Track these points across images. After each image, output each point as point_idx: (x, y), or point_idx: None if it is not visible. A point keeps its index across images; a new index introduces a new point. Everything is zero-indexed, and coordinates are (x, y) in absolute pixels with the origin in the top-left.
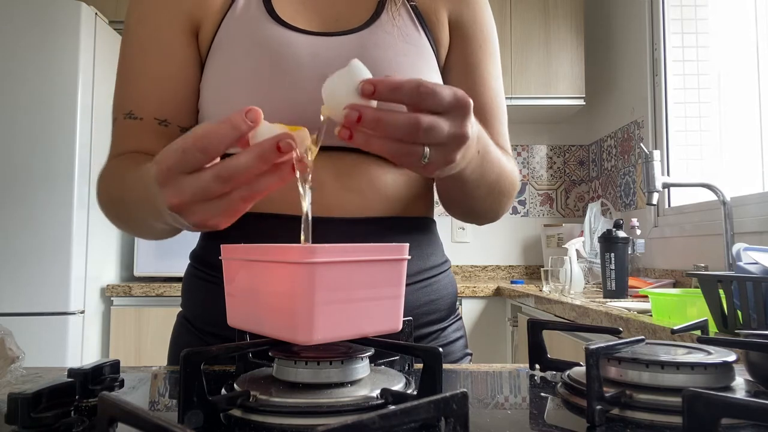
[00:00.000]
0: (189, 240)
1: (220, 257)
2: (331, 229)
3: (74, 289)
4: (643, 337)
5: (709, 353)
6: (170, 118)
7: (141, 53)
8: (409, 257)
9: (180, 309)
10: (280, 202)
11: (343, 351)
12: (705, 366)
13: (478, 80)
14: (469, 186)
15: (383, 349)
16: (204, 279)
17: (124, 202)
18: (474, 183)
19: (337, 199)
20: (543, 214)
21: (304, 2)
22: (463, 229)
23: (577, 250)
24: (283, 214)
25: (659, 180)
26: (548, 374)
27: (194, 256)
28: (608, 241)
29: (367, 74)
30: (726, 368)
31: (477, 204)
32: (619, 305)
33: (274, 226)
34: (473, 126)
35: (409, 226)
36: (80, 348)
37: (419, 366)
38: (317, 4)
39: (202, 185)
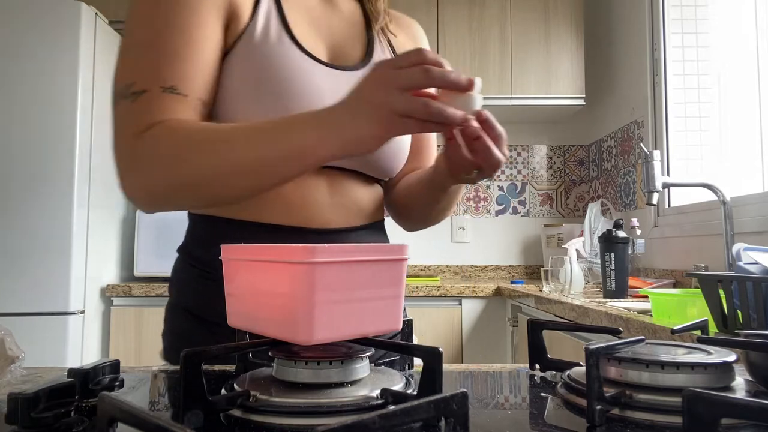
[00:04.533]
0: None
1: (220, 257)
2: (329, 239)
3: (74, 289)
4: (643, 337)
5: (709, 353)
6: (208, 101)
7: (180, 32)
8: (408, 257)
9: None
10: (245, 210)
11: (343, 351)
12: (705, 366)
13: None
14: (453, 196)
15: (383, 349)
16: (199, 273)
17: (238, 160)
18: (457, 194)
19: (332, 213)
20: (543, 214)
21: (311, 26)
22: (463, 229)
23: (577, 250)
24: (249, 221)
25: (659, 180)
26: (548, 374)
27: (186, 250)
28: (608, 241)
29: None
30: (726, 368)
31: (438, 211)
32: (619, 305)
33: (241, 233)
34: None
35: (378, 228)
36: (80, 348)
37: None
38: (322, 31)
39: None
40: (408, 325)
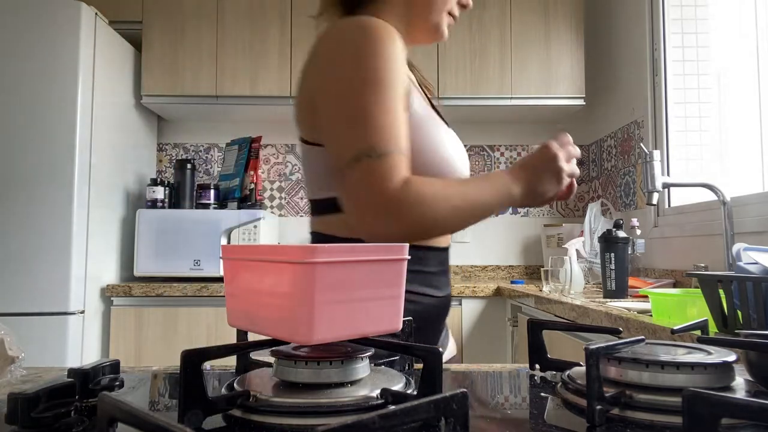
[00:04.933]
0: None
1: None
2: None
3: (74, 289)
4: (643, 337)
5: (709, 353)
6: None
7: (395, 97)
8: (408, 257)
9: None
10: (438, 240)
11: (343, 351)
12: (705, 366)
13: None
14: None
15: (383, 349)
16: None
17: (472, 205)
18: None
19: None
20: (543, 214)
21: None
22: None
23: (577, 250)
24: (434, 246)
25: (659, 180)
26: (548, 374)
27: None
28: (608, 241)
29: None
30: (726, 368)
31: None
32: (619, 305)
33: (425, 255)
34: None
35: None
36: (80, 348)
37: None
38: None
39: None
40: (408, 325)
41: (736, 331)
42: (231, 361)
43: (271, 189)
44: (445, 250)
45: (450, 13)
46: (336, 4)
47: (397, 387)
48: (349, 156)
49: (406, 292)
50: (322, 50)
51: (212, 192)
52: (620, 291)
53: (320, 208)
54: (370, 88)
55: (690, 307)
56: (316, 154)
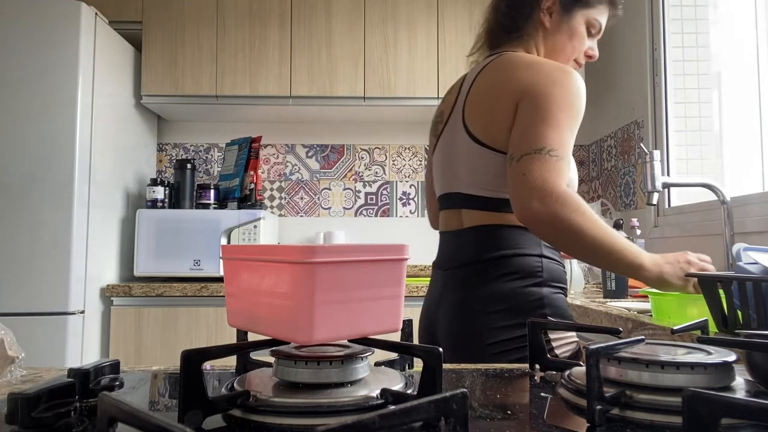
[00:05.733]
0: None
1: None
2: None
3: (74, 289)
4: (643, 337)
5: (709, 353)
6: None
7: (576, 128)
8: (408, 257)
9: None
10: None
11: (343, 351)
12: (705, 366)
13: None
14: None
15: (383, 349)
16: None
17: (610, 244)
18: None
19: None
20: None
21: None
22: None
23: None
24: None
25: (659, 180)
26: (548, 374)
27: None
28: None
29: None
30: (726, 368)
31: None
32: (619, 305)
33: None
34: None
35: None
36: (80, 348)
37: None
38: None
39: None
40: (408, 325)
41: (736, 331)
42: (231, 361)
43: (271, 189)
44: None
45: (576, 60)
46: (485, 42)
47: (397, 387)
48: (535, 146)
49: (553, 259)
50: (522, 75)
51: (212, 192)
52: (620, 291)
53: (492, 205)
54: (568, 113)
55: (690, 307)
56: (490, 156)
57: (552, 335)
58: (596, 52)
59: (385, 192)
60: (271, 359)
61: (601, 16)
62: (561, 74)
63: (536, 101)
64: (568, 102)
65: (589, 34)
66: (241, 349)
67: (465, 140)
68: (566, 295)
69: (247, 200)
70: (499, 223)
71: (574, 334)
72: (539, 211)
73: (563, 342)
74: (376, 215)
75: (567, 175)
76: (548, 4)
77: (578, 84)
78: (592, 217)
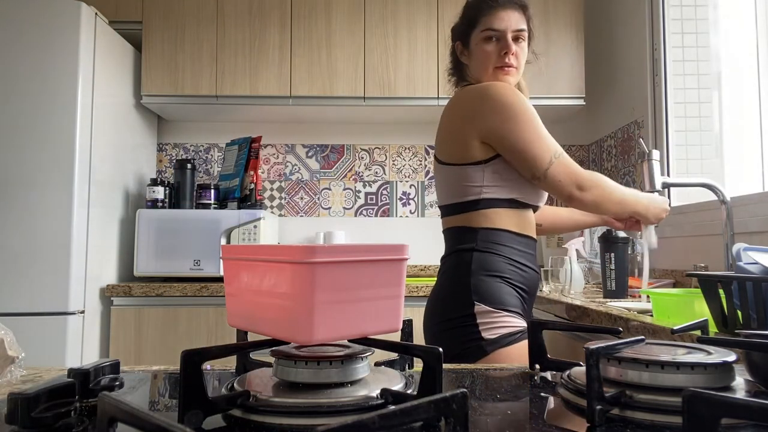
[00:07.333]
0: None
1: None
2: None
3: (74, 289)
4: (643, 337)
5: (709, 353)
6: None
7: (540, 122)
8: (408, 257)
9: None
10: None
11: (343, 351)
12: (705, 366)
13: None
14: None
15: (383, 349)
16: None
17: (626, 199)
18: None
19: None
20: None
21: None
22: None
23: (577, 250)
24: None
25: (659, 180)
26: (548, 374)
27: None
28: (608, 241)
29: None
30: (726, 368)
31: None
32: (619, 305)
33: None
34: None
35: None
36: (80, 348)
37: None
38: None
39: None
40: (408, 325)
41: (736, 331)
42: (231, 361)
43: (271, 189)
44: (535, 240)
45: (496, 68)
46: (452, 75)
47: (397, 387)
48: (546, 160)
49: (526, 266)
50: (478, 105)
51: (212, 192)
52: (620, 291)
53: (460, 208)
54: (532, 122)
55: (690, 307)
56: (457, 171)
57: (480, 319)
58: (511, 49)
59: (385, 192)
60: (271, 359)
61: (489, 23)
62: (485, 93)
63: (506, 129)
64: (520, 110)
65: (497, 40)
66: (241, 349)
67: (436, 164)
68: (511, 284)
69: (247, 200)
70: (456, 225)
71: (515, 318)
72: (582, 198)
73: (495, 326)
74: (376, 215)
75: (569, 158)
76: (459, 49)
77: (497, 88)
78: (609, 185)
